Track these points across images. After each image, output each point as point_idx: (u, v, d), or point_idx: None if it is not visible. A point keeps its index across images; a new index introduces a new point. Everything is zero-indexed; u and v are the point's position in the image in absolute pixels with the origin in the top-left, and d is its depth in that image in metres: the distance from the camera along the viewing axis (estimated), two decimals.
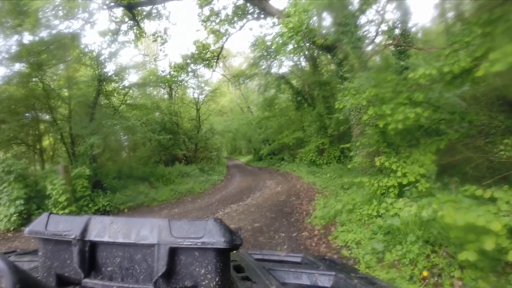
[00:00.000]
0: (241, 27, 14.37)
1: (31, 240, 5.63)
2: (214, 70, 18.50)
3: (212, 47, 15.78)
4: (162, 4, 13.28)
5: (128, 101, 15.54)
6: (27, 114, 10.98)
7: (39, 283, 0.71)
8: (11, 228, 7.05)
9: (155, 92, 20.05)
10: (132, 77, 25.72)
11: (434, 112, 4.88)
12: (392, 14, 14.44)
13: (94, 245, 0.82)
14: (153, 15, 13.62)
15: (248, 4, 13.12)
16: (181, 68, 16.01)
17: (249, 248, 4.63)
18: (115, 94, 14.36)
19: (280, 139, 18.46)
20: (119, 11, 12.87)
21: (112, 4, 11.98)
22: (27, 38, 9.40)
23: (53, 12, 9.72)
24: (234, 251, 0.96)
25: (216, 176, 16.17)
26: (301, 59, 17.21)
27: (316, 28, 9.40)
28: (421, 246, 3.62)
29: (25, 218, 7.22)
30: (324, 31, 9.49)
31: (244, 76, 20.02)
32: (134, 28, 13.74)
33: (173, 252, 0.77)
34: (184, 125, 19.82)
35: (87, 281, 0.80)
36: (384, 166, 5.42)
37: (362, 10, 8.73)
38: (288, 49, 9.59)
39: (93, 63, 12.51)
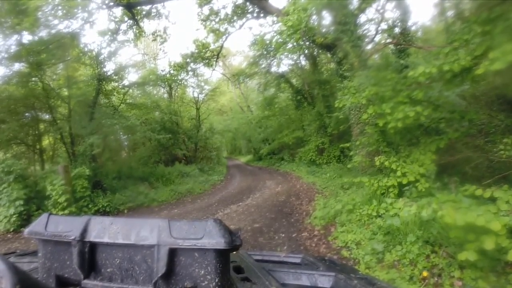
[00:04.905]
0: (240, 26, 14.36)
1: (30, 241, 5.62)
2: (213, 69, 18.46)
3: (212, 46, 15.75)
4: (162, 4, 13.28)
5: (128, 100, 15.53)
6: (26, 114, 10.97)
7: (39, 284, 0.71)
8: (11, 229, 7.04)
9: (154, 91, 20.05)
10: (132, 76, 25.76)
11: (434, 111, 4.87)
12: (391, 12, 14.46)
13: (93, 246, 0.82)
14: (153, 14, 13.60)
15: (248, 3, 13.12)
16: (180, 67, 15.99)
17: (249, 249, 4.63)
18: (115, 94, 14.36)
19: (280, 138, 18.47)
20: (118, 11, 12.86)
21: (112, 3, 11.96)
22: (26, 37, 9.41)
23: (53, 11, 9.73)
24: (234, 252, 0.96)
25: (216, 176, 16.16)
26: (301, 58, 17.21)
27: (316, 26, 9.40)
28: (421, 246, 3.62)
29: (25, 219, 7.19)
30: (323, 30, 9.49)
31: (244, 75, 19.99)
32: (133, 27, 13.72)
33: (173, 253, 0.77)
34: (183, 125, 19.80)
35: (86, 282, 0.80)
36: (383, 165, 5.42)
37: (361, 9, 8.73)
38: (288, 47, 9.60)
39: (93, 62, 12.51)
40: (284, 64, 17.87)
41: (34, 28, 9.08)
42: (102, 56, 12.42)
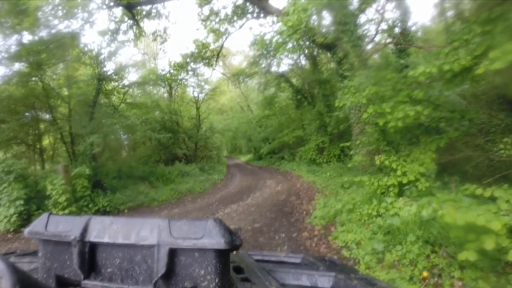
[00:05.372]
0: (240, 26, 14.36)
1: (31, 241, 5.63)
2: (214, 69, 18.50)
3: (212, 46, 15.76)
4: (162, 4, 13.27)
5: (128, 100, 15.55)
6: (27, 114, 10.99)
7: (39, 284, 0.71)
8: (11, 229, 7.02)
9: (155, 91, 20.07)
10: (132, 76, 25.76)
11: (434, 110, 4.87)
12: (392, 13, 14.44)
13: (94, 246, 0.82)
14: (153, 14, 13.59)
15: (248, 3, 13.11)
16: (180, 67, 16.00)
17: (249, 249, 4.63)
18: (115, 93, 14.38)
19: (280, 137, 18.48)
20: (118, 11, 12.87)
21: (112, 3, 11.96)
22: (26, 37, 9.43)
23: (53, 11, 9.74)
24: (234, 252, 0.96)
25: (216, 175, 16.16)
26: (301, 58, 17.23)
27: (316, 26, 9.39)
28: (421, 246, 3.62)
29: (25, 218, 7.18)
30: (323, 30, 9.49)
31: (244, 74, 20.01)
32: (133, 27, 13.72)
33: (173, 253, 0.76)
34: (184, 124, 19.82)
35: (86, 282, 0.80)
36: (384, 165, 5.42)
37: (361, 9, 8.73)
38: (288, 47, 9.60)
39: (93, 62, 12.52)
40: (284, 64, 17.96)
41: (34, 28, 9.09)
42: (102, 56, 12.45)
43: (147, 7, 13.29)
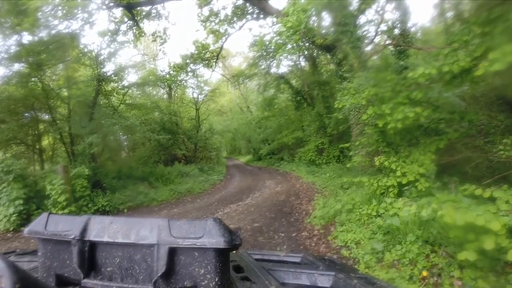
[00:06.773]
0: (240, 27, 14.38)
1: (30, 241, 5.62)
2: (213, 70, 18.52)
3: (212, 47, 15.78)
4: (162, 4, 13.30)
5: (128, 101, 15.53)
6: (26, 114, 10.97)
7: (39, 283, 0.71)
8: (11, 228, 7.03)
9: (154, 92, 20.06)
10: (132, 77, 25.70)
11: (434, 111, 4.88)
12: (391, 14, 14.45)
13: (93, 245, 0.82)
14: (153, 15, 13.62)
15: (248, 4, 13.13)
16: (180, 68, 16.00)
17: (248, 248, 4.62)
18: (115, 94, 14.35)
19: (280, 139, 18.49)
20: (118, 11, 12.89)
21: (112, 4, 11.97)
22: (26, 38, 9.39)
23: (52, 12, 9.73)
24: (234, 251, 0.96)
25: (215, 176, 16.17)
26: (301, 59, 17.23)
27: (315, 27, 9.40)
28: (420, 246, 3.62)
29: (25, 218, 7.19)
30: (323, 31, 9.49)
31: (244, 76, 20.02)
32: (133, 28, 13.74)
33: (173, 252, 0.77)
34: (183, 125, 19.83)
35: (86, 281, 0.80)
36: (383, 165, 5.42)
37: (361, 10, 8.74)
38: (287, 48, 9.60)
39: (92, 63, 12.50)
40: (283, 65, 17.92)
41: (34, 29, 9.07)
42: (102, 57, 12.41)
43: (147, 8, 13.33)
